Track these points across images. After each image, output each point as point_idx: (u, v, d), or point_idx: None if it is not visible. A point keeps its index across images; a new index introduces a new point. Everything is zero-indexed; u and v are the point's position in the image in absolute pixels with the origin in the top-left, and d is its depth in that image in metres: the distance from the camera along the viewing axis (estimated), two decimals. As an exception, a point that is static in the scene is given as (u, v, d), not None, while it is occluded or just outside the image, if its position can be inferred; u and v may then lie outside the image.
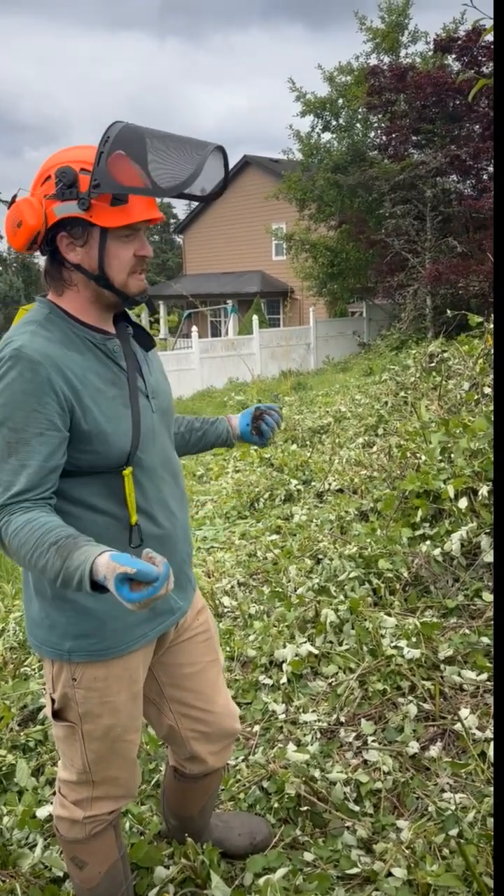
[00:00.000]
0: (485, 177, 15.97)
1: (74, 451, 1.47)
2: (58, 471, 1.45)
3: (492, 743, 2.29)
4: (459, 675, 2.61)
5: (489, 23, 2.44)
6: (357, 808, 2.14)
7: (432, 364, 6.51)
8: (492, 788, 2.12)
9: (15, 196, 1.50)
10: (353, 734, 2.44)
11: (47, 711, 1.66)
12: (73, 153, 1.47)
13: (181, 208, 50.92)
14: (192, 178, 1.40)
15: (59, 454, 1.44)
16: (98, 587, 1.29)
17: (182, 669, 1.77)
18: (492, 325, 5.17)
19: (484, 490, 3.32)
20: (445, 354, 6.42)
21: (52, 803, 2.23)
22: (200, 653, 1.80)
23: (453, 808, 2.06)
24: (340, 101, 18.87)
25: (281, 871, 1.91)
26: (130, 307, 1.59)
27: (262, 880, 1.90)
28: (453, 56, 15.74)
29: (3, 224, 1.54)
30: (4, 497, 1.40)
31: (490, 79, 2.58)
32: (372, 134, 18.60)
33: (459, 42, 15.04)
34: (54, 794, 2.32)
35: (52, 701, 1.62)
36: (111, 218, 1.43)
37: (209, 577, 3.88)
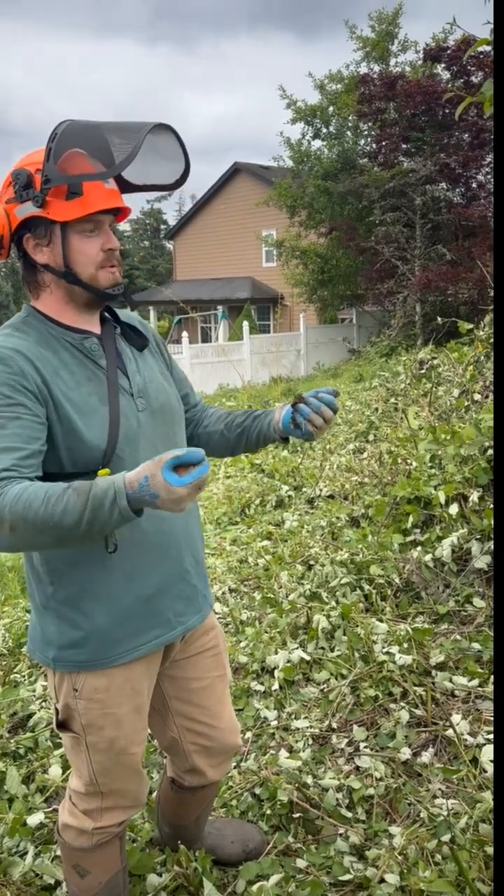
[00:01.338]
0: (474, 185, 16.11)
1: (52, 449, 1.45)
2: (39, 457, 1.40)
3: (483, 749, 2.29)
4: (451, 680, 2.61)
5: (479, 34, 2.47)
6: (349, 815, 2.14)
7: (422, 371, 6.54)
8: (484, 794, 2.12)
9: None
10: (346, 740, 2.44)
11: (54, 723, 1.64)
12: (29, 157, 1.50)
13: (171, 214, 51.02)
14: (130, 157, 1.39)
15: (40, 440, 1.40)
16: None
17: (189, 684, 1.76)
18: (482, 333, 5.20)
19: (474, 496, 3.33)
20: (435, 361, 6.45)
21: (43, 811, 2.23)
22: (208, 668, 1.78)
23: (445, 813, 2.06)
24: (331, 108, 18.98)
25: (274, 879, 1.91)
26: (106, 301, 1.57)
27: (255, 887, 1.90)
28: (442, 65, 15.88)
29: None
30: None
31: (476, 95, 2.61)
32: (362, 142, 18.74)
33: (448, 52, 15.18)
34: (45, 801, 2.32)
35: (57, 711, 1.61)
36: (67, 211, 1.44)
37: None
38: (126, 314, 1.69)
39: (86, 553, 1.49)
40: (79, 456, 1.45)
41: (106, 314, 1.63)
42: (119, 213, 1.53)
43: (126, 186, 1.60)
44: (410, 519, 3.49)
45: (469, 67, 14.79)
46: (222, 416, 1.82)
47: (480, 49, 2.75)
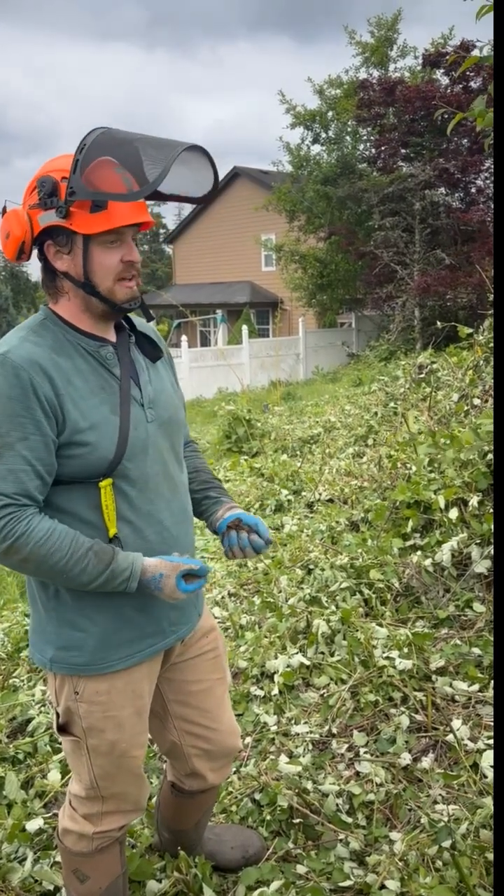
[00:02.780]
0: (473, 190, 16.15)
1: (59, 457, 1.46)
2: (47, 478, 1.44)
3: (484, 754, 2.29)
4: (451, 685, 2.61)
5: (478, 43, 2.48)
6: (350, 820, 2.13)
7: (421, 375, 6.53)
8: (484, 800, 2.12)
9: (4, 208, 1.52)
10: (346, 746, 2.43)
11: (54, 726, 1.64)
12: (57, 163, 1.49)
13: (171, 218, 51.07)
14: (160, 178, 1.37)
15: (48, 460, 1.43)
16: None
17: (189, 687, 1.76)
18: (481, 337, 5.20)
19: (474, 500, 3.33)
20: (434, 366, 6.45)
21: (42, 816, 2.22)
22: (208, 671, 1.78)
23: (446, 819, 2.06)
24: (330, 113, 19.03)
25: (274, 885, 1.90)
26: (121, 315, 1.57)
27: (255, 893, 1.89)
28: (441, 71, 15.93)
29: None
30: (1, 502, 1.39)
31: (468, 111, 2.63)
32: (361, 146, 18.78)
33: (447, 59, 15.22)
34: (44, 807, 2.32)
35: (57, 715, 1.61)
36: (91, 224, 1.43)
37: (200, 588, 3.86)
38: (142, 323, 1.70)
39: None
40: (87, 464, 1.47)
41: (122, 321, 1.63)
42: (141, 224, 1.52)
43: (152, 194, 1.57)
44: (410, 523, 3.49)
45: (468, 73, 14.83)
46: (190, 464, 1.83)
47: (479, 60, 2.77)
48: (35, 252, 1.53)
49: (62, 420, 1.44)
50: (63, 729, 1.61)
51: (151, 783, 2.36)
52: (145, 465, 1.54)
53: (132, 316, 1.66)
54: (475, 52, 2.43)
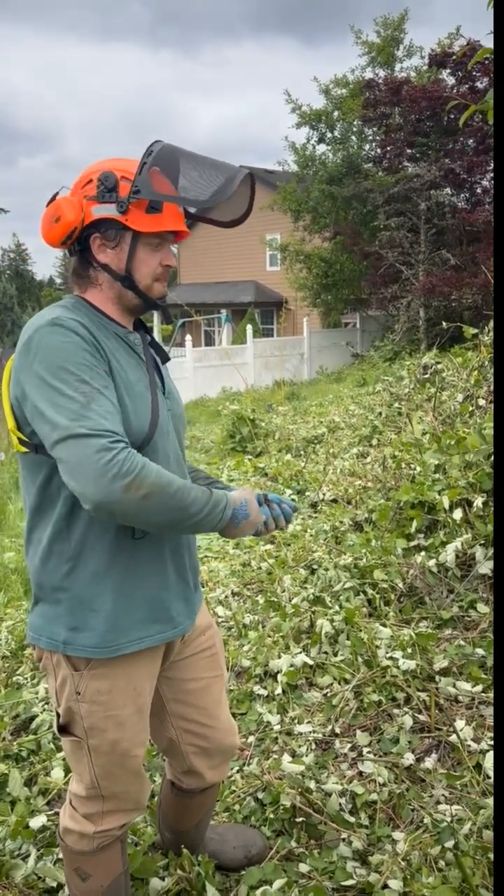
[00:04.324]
0: (478, 190, 16.11)
1: None
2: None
3: (487, 754, 2.29)
4: (454, 686, 2.61)
5: (483, 40, 2.48)
6: (352, 820, 2.13)
7: (426, 375, 6.53)
8: (487, 800, 2.12)
9: (56, 194, 1.58)
10: (349, 745, 2.43)
11: (54, 726, 1.64)
12: (115, 163, 1.57)
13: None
14: (222, 195, 1.51)
15: (119, 412, 1.47)
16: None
17: (186, 685, 1.77)
18: (486, 338, 5.20)
19: (478, 501, 3.33)
20: (439, 366, 6.45)
21: (45, 814, 2.22)
22: (205, 668, 1.79)
23: (449, 819, 2.06)
24: (336, 113, 19.00)
25: (276, 884, 1.91)
26: (150, 310, 1.64)
27: (257, 892, 1.89)
28: (448, 71, 15.90)
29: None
30: (109, 438, 1.38)
31: (480, 103, 2.62)
32: (367, 146, 18.73)
33: (454, 57, 15.20)
34: (48, 804, 2.32)
35: (58, 715, 1.61)
36: (146, 223, 1.53)
37: (203, 587, 3.87)
38: (149, 329, 1.75)
39: (111, 536, 1.52)
40: (126, 434, 1.48)
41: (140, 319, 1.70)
42: (178, 234, 1.61)
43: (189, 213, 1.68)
44: (414, 524, 3.49)
45: (474, 73, 14.81)
46: (188, 467, 1.86)
47: (485, 56, 2.76)
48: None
49: (113, 384, 1.48)
50: (63, 729, 1.61)
51: (154, 781, 2.37)
52: (168, 448, 1.61)
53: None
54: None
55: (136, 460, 1.38)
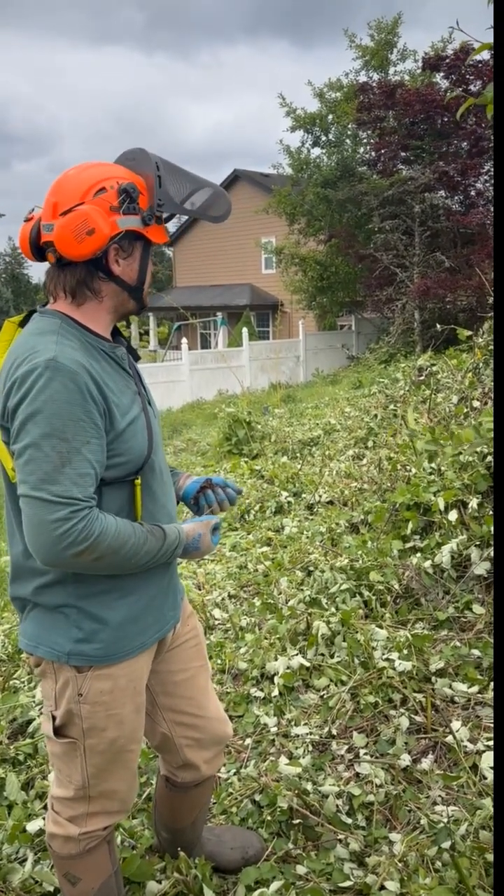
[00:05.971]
0: (472, 193, 16.17)
1: (108, 457, 1.50)
2: (99, 477, 1.48)
3: (483, 755, 2.29)
4: (451, 687, 2.61)
5: (477, 42, 2.48)
6: (349, 821, 2.13)
7: (421, 377, 6.54)
8: (484, 801, 2.12)
9: (32, 210, 1.56)
10: (345, 747, 2.43)
11: (46, 730, 1.63)
12: (119, 171, 1.55)
13: (171, 222, 51.04)
14: (219, 212, 1.69)
15: (104, 462, 1.48)
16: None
17: (174, 676, 1.79)
18: (481, 340, 5.21)
19: (474, 502, 3.34)
20: (434, 368, 6.46)
21: (42, 818, 2.22)
22: (191, 658, 1.82)
23: (446, 820, 2.06)
24: (330, 116, 19.05)
25: (274, 885, 1.90)
26: (139, 315, 1.68)
27: (255, 894, 1.89)
28: (441, 74, 15.96)
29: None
30: (71, 507, 1.40)
31: (477, 97, 2.62)
32: (361, 150, 18.79)
33: (447, 60, 15.25)
34: (45, 807, 2.31)
35: (53, 718, 1.60)
36: (159, 235, 1.59)
37: (199, 590, 3.87)
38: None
39: None
40: (127, 462, 1.53)
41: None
42: None
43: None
44: (410, 525, 3.49)
45: (468, 76, 14.86)
46: None
47: (479, 57, 2.76)
48: None
49: (109, 420, 1.49)
50: (58, 732, 1.60)
51: (150, 784, 2.36)
52: (160, 459, 1.65)
53: None
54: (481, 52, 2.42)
55: (93, 528, 1.41)
